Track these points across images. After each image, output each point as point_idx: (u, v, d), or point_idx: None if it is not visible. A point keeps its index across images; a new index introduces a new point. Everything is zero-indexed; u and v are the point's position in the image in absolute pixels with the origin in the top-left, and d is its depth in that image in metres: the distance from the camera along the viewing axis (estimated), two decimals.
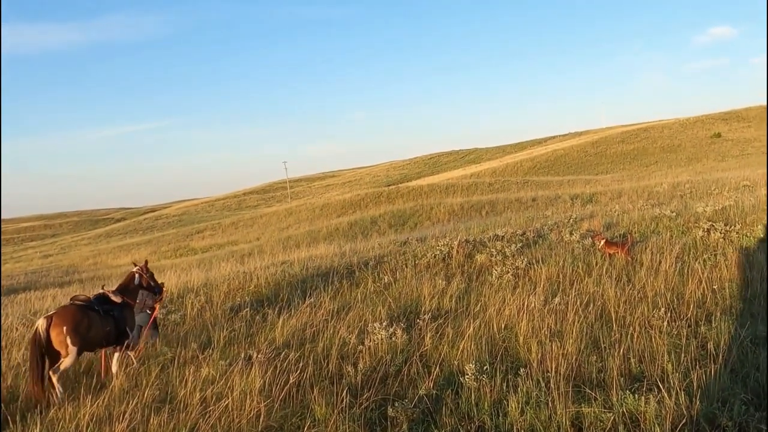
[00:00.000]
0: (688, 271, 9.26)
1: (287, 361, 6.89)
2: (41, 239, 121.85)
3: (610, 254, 11.10)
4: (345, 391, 5.90)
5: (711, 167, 51.08)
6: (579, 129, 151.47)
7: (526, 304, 8.22)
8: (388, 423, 5.46)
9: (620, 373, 5.89)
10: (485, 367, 6.21)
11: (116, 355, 8.15)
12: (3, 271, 54.37)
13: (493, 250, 12.79)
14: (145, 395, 6.49)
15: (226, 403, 5.84)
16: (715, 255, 10.16)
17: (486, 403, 5.59)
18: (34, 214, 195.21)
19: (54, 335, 7.38)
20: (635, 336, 6.73)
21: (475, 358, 6.69)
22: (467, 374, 6.10)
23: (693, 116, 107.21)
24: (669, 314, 7.34)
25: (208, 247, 47.96)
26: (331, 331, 8.28)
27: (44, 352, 7.33)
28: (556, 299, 8.33)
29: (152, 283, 8.92)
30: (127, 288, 8.57)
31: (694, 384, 5.37)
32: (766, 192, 18.45)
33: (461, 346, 7.00)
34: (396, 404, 5.61)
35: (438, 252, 13.40)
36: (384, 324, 7.93)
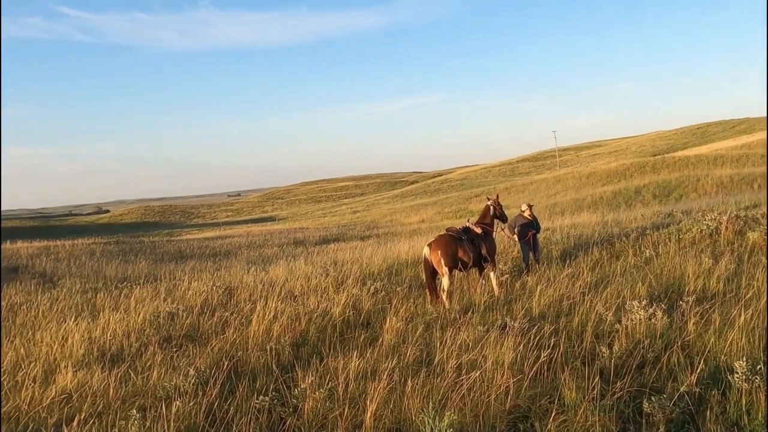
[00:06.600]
0: None
1: (541, 334, 6.34)
2: (352, 197, 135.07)
3: None
4: (597, 377, 5.19)
5: None
6: None
7: None
8: (643, 420, 4.59)
9: None
10: (759, 367, 4.99)
11: (491, 274, 9.37)
12: (325, 222, 61.00)
13: None
14: (408, 354, 6.43)
15: (478, 374, 5.49)
16: None
17: (760, 413, 4.46)
18: (347, 176, 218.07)
19: (433, 258, 8.91)
20: None
21: (746, 353, 5.44)
22: (737, 372, 4.95)
23: None
24: None
25: None
26: (587, 306, 7.47)
27: (431, 270, 8.96)
28: None
29: (501, 212, 10.07)
30: (484, 219, 9.85)
31: None
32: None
33: (730, 338, 5.77)
34: (653, 399, 4.71)
35: (705, 227, 11.52)
36: (643, 303, 6.90)
